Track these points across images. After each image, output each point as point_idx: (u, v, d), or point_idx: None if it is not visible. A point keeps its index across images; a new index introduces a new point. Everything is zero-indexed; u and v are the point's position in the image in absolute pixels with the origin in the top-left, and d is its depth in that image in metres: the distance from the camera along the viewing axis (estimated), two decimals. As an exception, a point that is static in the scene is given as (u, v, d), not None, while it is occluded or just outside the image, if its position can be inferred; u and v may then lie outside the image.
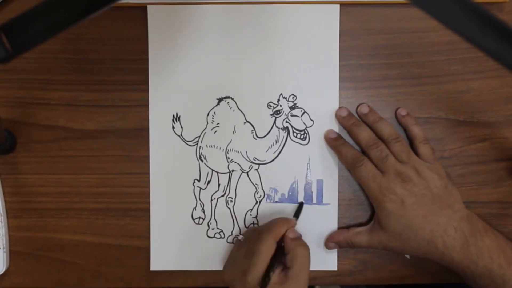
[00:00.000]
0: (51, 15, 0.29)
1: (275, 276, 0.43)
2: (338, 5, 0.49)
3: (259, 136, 0.50)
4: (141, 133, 0.50)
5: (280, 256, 0.44)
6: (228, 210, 0.51)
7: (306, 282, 0.44)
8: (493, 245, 0.44)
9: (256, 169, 0.50)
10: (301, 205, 0.50)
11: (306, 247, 0.45)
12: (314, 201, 0.50)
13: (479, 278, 0.44)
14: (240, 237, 0.49)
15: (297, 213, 0.49)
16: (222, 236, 0.51)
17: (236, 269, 0.44)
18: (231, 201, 0.51)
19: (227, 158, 0.50)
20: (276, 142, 0.50)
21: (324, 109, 0.50)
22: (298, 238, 0.46)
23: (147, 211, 0.50)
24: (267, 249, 0.43)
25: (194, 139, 0.50)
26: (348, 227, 0.50)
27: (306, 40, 0.49)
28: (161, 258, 0.50)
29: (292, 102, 0.50)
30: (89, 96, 0.50)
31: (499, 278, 0.43)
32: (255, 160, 0.50)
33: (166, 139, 0.50)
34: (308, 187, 0.50)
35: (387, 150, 0.47)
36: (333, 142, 0.49)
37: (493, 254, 0.44)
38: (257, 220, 0.50)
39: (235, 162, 0.50)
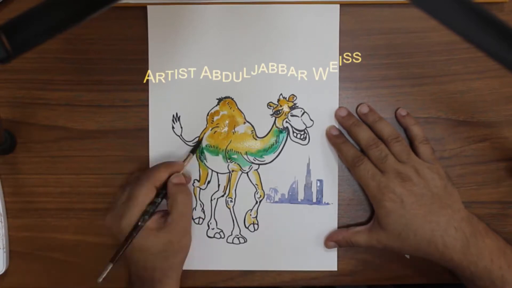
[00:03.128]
0: (51, 15, 0.29)
1: (153, 221, 0.44)
2: (338, 5, 0.49)
3: (259, 136, 0.50)
4: (141, 133, 0.50)
5: (158, 200, 0.45)
6: (228, 210, 0.51)
7: (186, 230, 0.45)
8: (494, 247, 0.44)
9: (256, 169, 0.50)
10: (198, 143, 0.50)
11: (188, 193, 0.45)
12: (314, 201, 0.50)
13: (479, 279, 0.44)
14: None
15: (193, 150, 0.49)
16: (222, 236, 0.51)
17: (114, 213, 0.45)
18: (231, 201, 0.51)
19: (227, 158, 0.50)
20: (276, 142, 0.50)
21: (324, 109, 0.50)
22: (182, 184, 0.46)
23: (147, 211, 0.50)
24: (143, 194, 0.44)
25: (194, 139, 0.50)
26: (348, 227, 0.50)
27: (306, 40, 0.49)
28: (161, 258, 0.50)
29: (292, 102, 0.50)
30: (89, 96, 0.50)
31: (498, 280, 0.43)
32: (255, 160, 0.50)
33: (166, 139, 0.50)
34: (308, 187, 0.50)
35: (387, 150, 0.47)
36: (334, 139, 0.49)
37: (493, 255, 0.44)
38: (257, 220, 0.50)
39: (235, 162, 0.50)
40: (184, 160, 0.49)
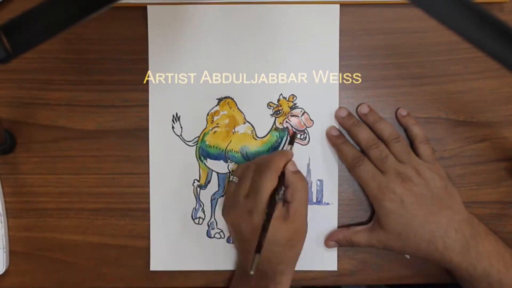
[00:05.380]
0: (51, 15, 0.29)
1: (279, 211, 0.43)
2: (338, 5, 0.49)
3: (259, 136, 0.50)
4: (141, 133, 0.50)
5: (279, 190, 0.44)
6: (228, 210, 0.51)
7: (306, 217, 0.45)
8: (493, 250, 0.44)
9: (256, 169, 0.50)
10: (293, 135, 0.49)
11: (305, 180, 0.45)
12: (314, 201, 0.50)
13: (477, 282, 0.44)
14: (235, 178, 0.46)
15: (291, 142, 0.49)
16: (222, 236, 0.51)
17: (240, 210, 0.43)
18: (231, 201, 0.50)
19: (227, 158, 0.50)
20: (276, 142, 0.50)
21: (324, 109, 0.50)
22: (298, 171, 0.46)
23: (147, 211, 0.50)
24: (270, 185, 0.43)
25: (194, 139, 0.50)
26: (349, 226, 0.50)
27: (306, 40, 0.49)
28: (161, 258, 0.50)
29: (292, 102, 0.50)
30: (89, 96, 0.50)
31: (496, 283, 0.43)
32: (255, 160, 0.50)
33: (166, 139, 0.50)
34: (308, 187, 0.50)
35: (387, 150, 0.47)
36: (334, 139, 0.49)
37: (492, 258, 0.44)
38: (257, 220, 0.50)
39: (235, 162, 0.50)
40: (290, 149, 0.48)
